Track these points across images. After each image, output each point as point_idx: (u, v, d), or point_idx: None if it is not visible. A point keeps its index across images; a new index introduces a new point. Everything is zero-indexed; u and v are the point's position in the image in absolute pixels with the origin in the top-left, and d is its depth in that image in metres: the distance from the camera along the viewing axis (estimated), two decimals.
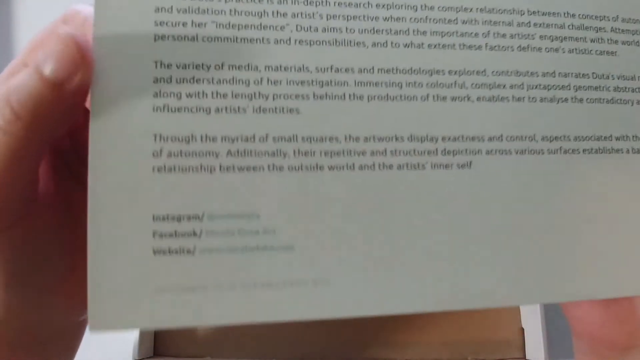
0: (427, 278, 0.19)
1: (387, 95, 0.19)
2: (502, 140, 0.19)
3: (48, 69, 0.17)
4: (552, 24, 0.20)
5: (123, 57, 0.18)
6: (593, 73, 0.20)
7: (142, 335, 0.36)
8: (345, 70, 0.19)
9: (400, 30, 0.19)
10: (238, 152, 0.18)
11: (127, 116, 0.18)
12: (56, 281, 0.21)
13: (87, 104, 0.20)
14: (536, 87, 0.20)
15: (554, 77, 0.20)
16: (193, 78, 0.18)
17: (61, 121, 0.18)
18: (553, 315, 0.35)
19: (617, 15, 0.21)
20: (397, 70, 0.19)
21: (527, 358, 0.36)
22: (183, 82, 0.18)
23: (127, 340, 0.35)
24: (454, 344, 0.36)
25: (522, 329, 0.37)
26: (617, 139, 0.20)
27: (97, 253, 0.17)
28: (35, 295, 0.20)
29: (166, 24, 0.18)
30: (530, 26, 0.20)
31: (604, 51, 0.20)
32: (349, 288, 0.18)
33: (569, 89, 0.20)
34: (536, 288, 0.19)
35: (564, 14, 0.20)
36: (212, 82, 0.18)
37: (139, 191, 0.18)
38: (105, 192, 0.17)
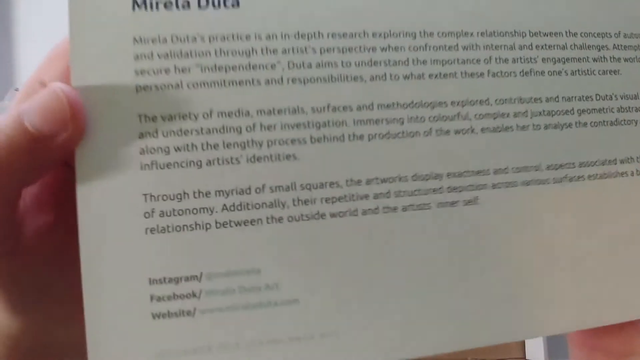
0: (440, 322, 0.18)
1: (389, 132, 0.18)
2: (507, 172, 0.19)
3: (32, 121, 0.16)
4: (553, 45, 0.19)
5: (105, 113, 0.16)
6: (596, 95, 0.19)
7: None
8: (343, 108, 0.18)
9: (399, 61, 0.18)
10: (234, 206, 0.17)
11: (115, 177, 0.16)
12: (66, 306, 0.20)
13: None
14: (540, 114, 0.19)
15: (558, 101, 0.19)
16: (180, 130, 0.17)
17: (41, 170, 0.17)
18: None
19: (619, 31, 0.20)
20: (397, 104, 0.18)
21: (527, 358, 0.36)
22: (170, 134, 0.17)
23: None
24: None
25: None
26: (622, 161, 0.20)
27: (95, 321, 0.16)
28: (46, 318, 0.20)
29: (147, 72, 0.16)
30: (532, 49, 0.19)
31: (606, 70, 0.20)
32: (357, 339, 0.18)
33: (573, 113, 0.19)
34: (557, 321, 0.19)
35: (566, 33, 0.19)
36: (201, 132, 0.17)
37: (133, 255, 0.16)
38: (98, 259, 0.16)
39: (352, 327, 0.18)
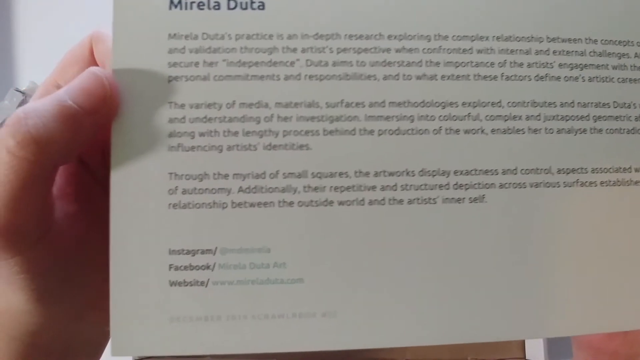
0: (435, 313, 0.19)
1: (399, 129, 0.19)
2: (516, 173, 0.19)
3: (74, 98, 0.17)
4: (572, 51, 0.19)
5: (139, 98, 0.18)
6: (614, 102, 0.19)
7: None
8: (356, 104, 0.19)
9: (412, 62, 0.19)
10: (249, 188, 0.18)
11: (145, 156, 0.18)
12: (88, 295, 0.21)
13: None
14: (553, 118, 0.19)
15: (573, 107, 0.19)
16: (205, 117, 0.18)
17: (74, 148, 0.18)
18: None
19: None
20: (408, 103, 0.19)
21: (527, 358, 0.35)
22: (196, 121, 0.18)
23: None
24: (454, 344, 0.36)
25: None
26: (637, 170, 0.19)
27: (118, 285, 0.18)
28: (68, 309, 0.21)
29: (179, 64, 0.18)
30: (549, 54, 0.19)
31: (626, 79, 0.19)
32: (355, 321, 0.18)
33: (588, 120, 0.19)
34: (557, 323, 0.19)
35: (585, 40, 0.19)
36: (224, 120, 0.18)
37: (156, 227, 0.18)
38: (125, 228, 0.18)
39: (350, 309, 0.18)
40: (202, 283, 0.18)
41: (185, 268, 0.18)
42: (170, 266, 0.18)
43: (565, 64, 0.19)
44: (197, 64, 0.18)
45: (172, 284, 0.18)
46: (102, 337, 0.24)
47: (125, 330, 0.18)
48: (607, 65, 0.19)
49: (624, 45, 0.19)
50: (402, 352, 0.37)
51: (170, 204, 0.18)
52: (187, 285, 0.18)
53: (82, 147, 0.19)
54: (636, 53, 0.19)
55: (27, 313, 0.19)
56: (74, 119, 0.17)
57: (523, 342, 0.36)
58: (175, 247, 0.18)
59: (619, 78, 0.19)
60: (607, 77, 0.19)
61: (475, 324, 0.19)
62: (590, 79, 0.19)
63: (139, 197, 0.18)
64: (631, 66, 0.19)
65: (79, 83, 0.18)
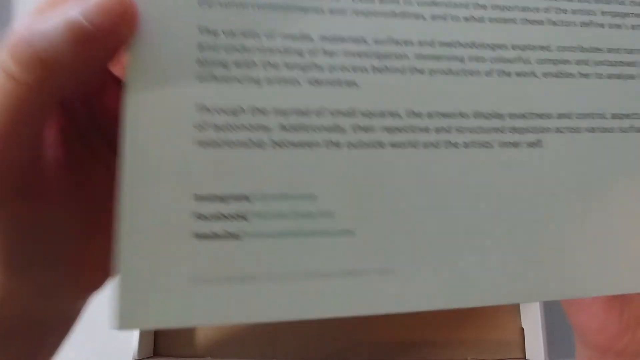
0: (497, 270, 0.17)
1: (449, 69, 0.17)
2: (571, 117, 0.18)
3: (90, 17, 0.14)
4: (612, 0, 0.19)
5: (164, 21, 0.16)
6: None
7: (142, 335, 0.34)
8: (405, 43, 0.17)
9: (459, 3, 0.18)
10: (291, 126, 0.16)
11: (168, 84, 0.15)
12: (64, 262, 0.18)
13: (113, 69, 0.18)
14: (602, 64, 0.18)
15: (619, 53, 0.18)
16: (242, 46, 0.16)
17: (81, 80, 0.16)
18: (553, 315, 0.34)
19: None
20: (458, 44, 0.17)
21: (527, 358, 0.35)
22: (230, 50, 0.16)
23: (127, 340, 0.33)
24: (454, 344, 0.35)
25: (522, 329, 0.36)
26: None
27: (129, 237, 0.15)
28: (39, 277, 0.17)
29: None
30: (591, 2, 0.19)
31: None
32: (416, 278, 0.16)
33: (635, 66, 0.18)
34: (612, 279, 0.17)
35: None
36: (263, 51, 0.16)
37: (180, 167, 0.15)
38: (141, 167, 0.15)
39: (409, 265, 0.16)
40: (234, 236, 0.15)
41: (215, 218, 0.15)
42: (196, 215, 0.15)
43: (607, 12, 0.19)
44: None
45: (198, 236, 0.15)
46: (74, 317, 0.20)
47: (137, 296, 0.15)
48: None
49: None
50: (402, 352, 0.35)
51: (197, 141, 0.15)
52: (216, 239, 0.15)
53: (94, 76, 0.16)
54: None
55: None
56: (87, 41, 0.14)
57: (523, 343, 0.35)
58: (202, 191, 0.15)
59: None
60: None
61: (545, 282, 0.17)
62: (634, 27, 0.19)
63: (159, 130, 0.15)
64: None
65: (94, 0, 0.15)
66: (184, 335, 0.36)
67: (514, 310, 0.36)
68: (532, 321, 0.35)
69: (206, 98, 0.16)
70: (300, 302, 0.15)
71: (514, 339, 0.36)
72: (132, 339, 0.33)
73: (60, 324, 0.19)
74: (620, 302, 0.23)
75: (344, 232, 0.16)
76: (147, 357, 0.34)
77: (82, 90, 0.18)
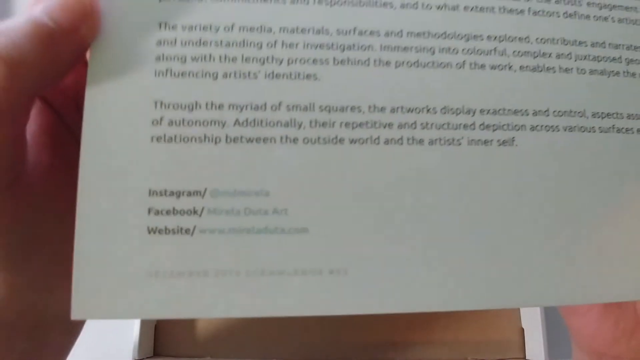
0: (458, 274, 0.16)
1: (418, 61, 0.16)
2: (548, 114, 0.17)
3: (52, 16, 0.14)
4: None
5: (125, 17, 0.15)
6: None
7: (142, 335, 0.34)
8: (370, 33, 0.16)
9: None
10: (247, 121, 0.16)
11: (127, 80, 0.15)
12: (58, 262, 0.18)
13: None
14: (585, 58, 0.17)
15: (604, 47, 0.17)
16: (199, 40, 0.16)
17: (52, 76, 0.16)
18: (553, 315, 0.34)
19: None
20: (429, 34, 0.17)
21: (527, 358, 0.34)
22: (189, 44, 0.16)
23: (127, 340, 0.33)
24: (453, 344, 0.35)
25: (522, 329, 0.35)
26: None
27: (84, 229, 0.15)
28: (35, 278, 0.17)
29: None
30: None
31: None
32: (369, 279, 0.16)
33: (621, 62, 0.17)
34: (576, 286, 0.16)
35: None
36: (221, 44, 0.16)
37: (135, 162, 0.15)
38: (98, 161, 0.15)
39: (362, 266, 0.15)
40: (187, 231, 0.15)
41: (168, 213, 0.15)
42: (150, 210, 0.15)
43: (593, 2, 0.17)
44: None
45: (151, 231, 0.15)
46: None
47: (89, 286, 0.15)
48: (637, 7, 0.18)
49: None
50: (402, 352, 0.35)
51: (153, 137, 0.15)
52: (169, 234, 0.15)
53: (62, 73, 0.16)
54: None
55: None
56: (50, 39, 0.15)
57: (523, 343, 0.34)
58: (156, 187, 0.15)
59: None
60: (637, 20, 0.18)
61: (504, 287, 0.16)
62: (620, 20, 0.17)
63: (116, 126, 0.15)
64: None
65: None
66: (184, 335, 0.36)
67: (514, 310, 0.36)
68: (532, 321, 0.34)
69: (163, 93, 0.15)
70: (250, 300, 0.15)
71: (514, 339, 0.35)
72: (132, 339, 0.33)
73: (64, 320, 0.20)
74: (616, 309, 0.22)
75: (297, 230, 0.15)
76: (147, 357, 0.35)
77: (71, 87, 0.19)
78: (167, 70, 0.16)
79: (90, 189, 0.15)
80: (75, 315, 0.15)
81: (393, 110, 0.16)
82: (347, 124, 0.16)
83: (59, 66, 0.16)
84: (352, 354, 0.35)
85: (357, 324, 0.35)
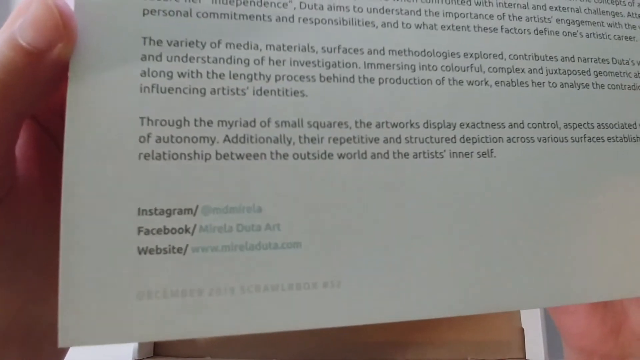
0: (448, 281, 0.16)
1: (400, 78, 0.17)
2: (523, 127, 0.18)
3: (25, 37, 0.14)
4: (568, 8, 0.19)
5: (106, 31, 0.15)
6: (612, 58, 0.19)
7: None
8: (354, 51, 0.17)
9: (411, 10, 0.17)
10: (237, 137, 0.16)
11: (111, 96, 0.15)
12: (49, 273, 0.17)
13: None
14: (556, 72, 0.18)
15: (574, 61, 0.18)
16: (186, 56, 0.16)
17: (38, 94, 0.16)
18: None
19: (633, 0, 0.19)
20: (409, 51, 0.17)
21: (527, 358, 0.35)
22: (175, 60, 0.16)
23: None
24: (454, 344, 0.35)
25: (522, 329, 0.36)
26: None
27: (70, 252, 0.14)
28: (26, 289, 0.17)
29: None
30: (545, 9, 0.18)
31: (622, 36, 0.19)
32: (362, 292, 0.16)
33: (589, 75, 0.18)
34: (556, 290, 0.17)
35: None
36: (208, 60, 0.16)
37: (123, 181, 0.15)
38: (82, 181, 0.15)
39: (355, 278, 0.16)
40: (179, 250, 0.15)
41: (159, 232, 0.15)
42: (140, 229, 0.15)
43: (562, 19, 0.19)
44: None
45: (142, 251, 0.15)
46: None
47: (78, 312, 0.14)
48: (603, 22, 0.19)
49: (616, 5, 0.19)
50: (402, 352, 0.35)
51: (141, 154, 0.15)
52: (160, 253, 0.15)
53: (46, 91, 0.16)
54: (629, 12, 0.19)
55: None
56: (27, 60, 0.15)
57: (523, 343, 0.35)
58: (146, 205, 0.15)
59: (615, 35, 0.19)
60: (603, 34, 0.19)
61: (488, 293, 0.16)
62: (588, 35, 0.19)
63: (101, 145, 0.15)
64: (625, 24, 0.19)
65: (29, 17, 0.15)
66: None
67: (514, 310, 0.36)
68: (532, 321, 0.35)
69: (150, 110, 0.15)
70: (246, 317, 0.15)
71: (514, 339, 0.36)
72: None
73: (55, 329, 0.19)
74: (603, 307, 0.23)
75: (290, 245, 0.16)
76: (147, 357, 0.34)
77: (55, 101, 0.18)
78: (153, 86, 0.15)
79: (75, 209, 0.15)
80: (62, 343, 0.14)
81: (378, 125, 0.17)
82: (335, 139, 0.16)
83: (42, 85, 0.16)
84: (352, 354, 0.35)
85: (356, 325, 0.36)
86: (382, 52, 0.17)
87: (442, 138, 0.17)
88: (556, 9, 0.19)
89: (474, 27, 0.18)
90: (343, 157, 0.16)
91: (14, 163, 0.17)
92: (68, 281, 0.14)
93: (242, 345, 0.36)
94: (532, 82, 0.18)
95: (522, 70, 0.18)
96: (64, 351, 0.20)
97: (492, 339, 0.36)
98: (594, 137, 0.18)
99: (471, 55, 0.18)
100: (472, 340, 0.36)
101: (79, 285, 0.14)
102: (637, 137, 0.18)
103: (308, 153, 0.16)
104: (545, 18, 0.18)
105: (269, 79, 0.16)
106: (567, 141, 0.18)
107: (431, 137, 0.17)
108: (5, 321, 0.17)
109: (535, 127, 0.18)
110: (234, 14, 0.16)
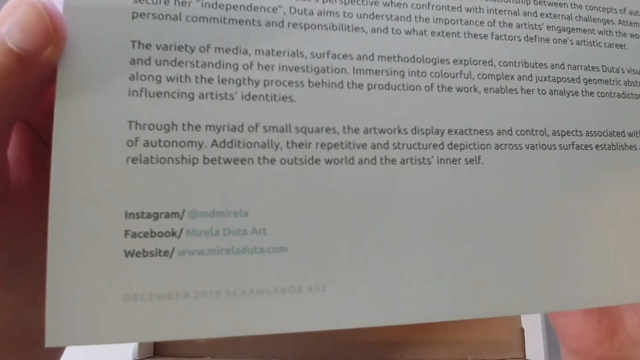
0: (434, 286, 0.17)
1: (389, 84, 0.17)
2: (511, 134, 0.18)
3: (15, 41, 0.14)
4: (559, 15, 0.19)
5: (95, 35, 0.15)
6: (603, 66, 0.19)
7: None
8: (343, 56, 0.17)
9: (401, 16, 0.18)
10: (224, 142, 0.16)
11: (99, 100, 0.15)
12: (37, 282, 0.18)
13: None
14: (545, 79, 0.18)
15: (563, 69, 0.18)
16: (175, 60, 0.16)
17: (28, 98, 0.16)
18: None
19: (625, 8, 0.19)
20: (398, 57, 0.17)
21: (527, 358, 0.35)
22: (163, 64, 0.16)
23: None
24: (454, 344, 0.35)
25: (522, 329, 0.36)
26: (630, 134, 0.18)
27: (58, 254, 0.14)
28: (21, 292, 0.17)
29: (146, 0, 0.16)
30: (536, 16, 0.18)
31: (612, 44, 0.19)
32: (347, 296, 0.16)
33: (579, 82, 0.18)
34: (543, 296, 0.17)
35: (571, 4, 0.19)
36: (196, 65, 0.16)
37: (110, 184, 0.15)
38: (70, 184, 0.15)
39: (340, 283, 0.16)
40: (165, 253, 0.15)
41: (145, 235, 0.15)
42: (127, 232, 0.15)
43: (552, 26, 0.19)
44: (167, 1, 0.16)
45: (128, 254, 0.15)
46: None
47: (64, 312, 0.14)
48: (593, 30, 0.19)
49: (608, 12, 0.19)
50: (402, 352, 0.35)
51: (128, 158, 0.15)
52: (147, 256, 0.15)
53: (36, 95, 0.16)
54: (620, 20, 0.19)
55: None
56: (17, 64, 0.14)
57: (523, 343, 0.35)
58: (133, 209, 0.15)
59: (605, 43, 0.19)
60: (594, 42, 0.19)
61: (473, 299, 0.17)
62: (579, 42, 0.19)
63: (88, 148, 0.15)
64: (616, 32, 0.19)
65: (17, 20, 0.15)
66: None
67: None
68: (532, 321, 0.35)
69: (138, 114, 0.15)
70: (232, 320, 0.15)
71: (514, 339, 0.36)
72: None
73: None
74: (598, 310, 0.23)
75: (276, 249, 0.16)
76: (147, 357, 0.34)
77: (35, 105, 0.18)
78: (141, 90, 0.15)
79: (63, 212, 0.15)
80: (50, 342, 0.14)
81: (366, 131, 0.17)
82: (322, 145, 0.16)
83: (32, 89, 0.15)
84: (352, 354, 0.35)
85: None
86: (371, 57, 0.17)
87: (430, 144, 0.17)
88: (547, 15, 0.19)
89: (464, 33, 0.18)
90: (330, 163, 0.16)
91: (6, 168, 0.17)
92: (55, 282, 0.14)
93: (242, 345, 0.36)
94: (521, 89, 0.18)
95: (512, 77, 0.18)
96: (59, 354, 0.20)
97: (492, 339, 0.36)
98: (582, 145, 0.18)
99: (461, 62, 0.18)
100: (472, 340, 0.36)
101: (66, 286, 0.14)
102: (626, 145, 0.18)
103: (295, 158, 0.16)
104: (535, 25, 0.18)
105: (257, 84, 0.16)
106: (554, 149, 0.18)
107: (419, 143, 0.17)
108: (1, 325, 0.17)
109: (523, 134, 0.18)
110: (224, 18, 0.16)
